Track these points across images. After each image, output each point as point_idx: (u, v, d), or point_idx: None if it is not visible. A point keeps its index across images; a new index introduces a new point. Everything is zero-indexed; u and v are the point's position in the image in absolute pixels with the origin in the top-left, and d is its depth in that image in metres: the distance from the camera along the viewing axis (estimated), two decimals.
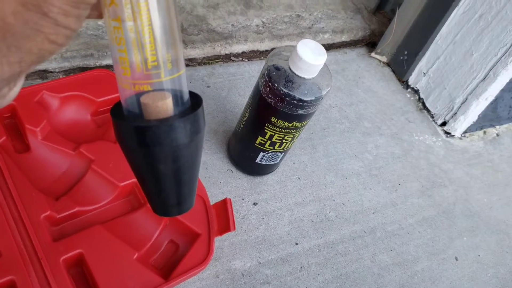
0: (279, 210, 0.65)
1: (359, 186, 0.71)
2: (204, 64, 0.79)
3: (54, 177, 0.55)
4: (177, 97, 0.28)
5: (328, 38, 0.89)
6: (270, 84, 0.52)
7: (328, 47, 0.89)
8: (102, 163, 0.55)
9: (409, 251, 0.68)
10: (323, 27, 0.90)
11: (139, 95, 0.27)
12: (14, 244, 0.47)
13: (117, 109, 0.29)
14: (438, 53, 0.83)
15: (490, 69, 0.76)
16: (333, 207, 0.68)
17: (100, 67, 0.70)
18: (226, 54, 0.81)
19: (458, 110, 0.82)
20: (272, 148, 0.59)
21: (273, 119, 0.55)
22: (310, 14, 0.90)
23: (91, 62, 0.69)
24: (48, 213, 0.50)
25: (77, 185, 0.54)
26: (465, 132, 0.86)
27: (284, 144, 0.59)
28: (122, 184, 0.55)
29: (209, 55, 0.79)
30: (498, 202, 0.79)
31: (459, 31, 0.78)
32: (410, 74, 0.88)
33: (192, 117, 0.28)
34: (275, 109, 0.54)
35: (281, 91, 0.52)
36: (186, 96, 0.29)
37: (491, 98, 0.80)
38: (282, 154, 0.62)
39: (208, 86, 0.75)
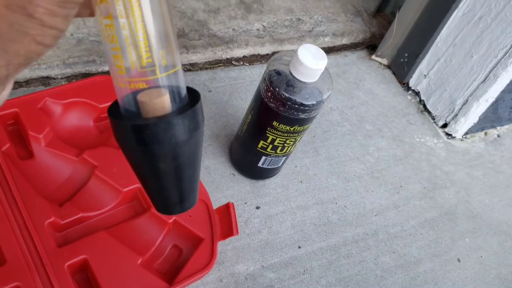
0: (281, 214, 0.65)
1: (361, 189, 0.72)
2: (206, 68, 0.79)
3: (58, 183, 0.55)
4: (174, 93, 0.27)
5: (329, 41, 0.89)
6: (271, 88, 0.53)
7: (329, 50, 0.90)
8: (105, 169, 0.56)
9: (411, 253, 0.68)
10: (323, 30, 0.90)
11: (135, 93, 0.27)
12: (19, 251, 0.47)
13: (114, 109, 0.28)
14: (438, 55, 0.83)
15: (490, 71, 0.76)
16: (335, 210, 0.68)
17: (102, 73, 0.70)
18: (227, 59, 0.81)
19: (459, 111, 0.83)
20: (274, 152, 0.59)
21: (274, 123, 0.55)
22: (310, 18, 0.91)
23: (93, 68, 0.69)
24: (52, 219, 0.51)
25: (81, 191, 0.55)
26: (466, 133, 0.86)
27: (286, 148, 0.59)
28: (125, 189, 0.55)
29: (210, 60, 0.80)
30: (500, 203, 0.79)
31: (459, 33, 0.79)
32: (411, 76, 0.88)
33: (191, 113, 0.27)
34: (277, 113, 0.54)
35: (282, 96, 0.52)
36: (184, 92, 0.28)
37: (491, 100, 0.80)
38: (284, 157, 0.62)
39: (210, 91, 0.75)
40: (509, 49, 0.73)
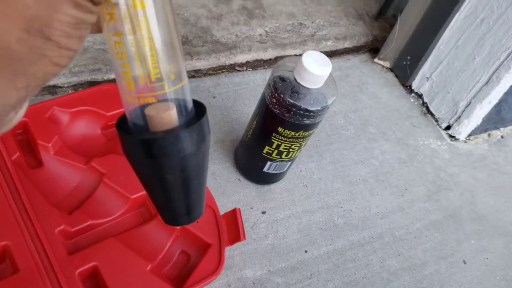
0: (287, 218, 0.65)
1: (366, 192, 0.72)
2: (210, 74, 0.80)
3: (67, 191, 0.56)
4: (181, 107, 0.28)
5: (331, 45, 0.90)
6: (276, 95, 0.53)
7: (331, 54, 0.90)
8: (113, 176, 0.56)
9: (417, 255, 0.68)
10: (325, 35, 0.90)
11: (143, 107, 0.27)
12: (31, 259, 0.48)
13: (122, 122, 0.29)
14: (441, 58, 0.83)
15: (493, 73, 0.77)
16: (341, 214, 0.68)
17: (108, 81, 0.71)
18: (230, 64, 0.82)
19: (462, 113, 0.83)
20: (279, 157, 0.60)
21: (279, 129, 0.56)
22: (312, 22, 0.91)
23: (99, 76, 0.70)
24: (62, 227, 0.51)
25: (90, 199, 0.55)
26: (470, 135, 0.86)
27: (291, 153, 0.60)
28: (133, 196, 0.56)
29: (214, 66, 0.81)
30: (505, 205, 0.79)
31: (461, 35, 0.79)
32: (414, 79, 0.89)
33: (197, 126, 0.28)
34: (282, 119, 0.55)
35: (287, 102, 0.53)
36: (190, 105, 0.29)
37: (494, 101, 0.80)
38: (290, 162, 0.62)
39: (214, 97, 0.76)
40: None
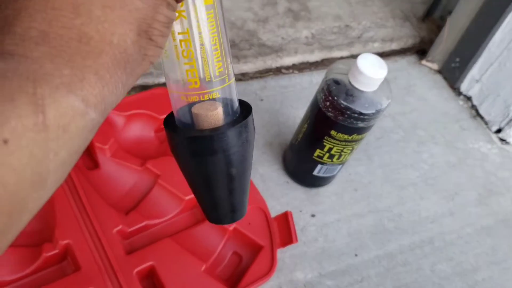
0: (337, 222, 0.65)
1: (416, 196, 0.71)
2: (256, 77, 0.80)
3: (123, 192, 0.58)
4: (227, 106, 0.28)
5: (378, 47, 0.89)
6: (330, 98, 0.53)
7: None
8: (167, 177, 0.57)
9: (468, 260, 0.67)
10: (372, 36, 0.90)
11: (190, 105, 0.28)
12: (91, 258, 0.49)
13: (169, 121, 0.30)
14: (491, 60, 0.81)
15: None
16: (391, 218, 0.68)
17: (159, 84, 0.72)
18: (277, 67, 0.82)
19: None
20: (330, 160, 0.60)
21: (332, 132, 0.56)
22: (358, 24, 0.91)
23: (150, 80, 0.72)
24: (120, 227, 0.53)
25: (145, 200, 0.57)
26: None
27: (343, 156, 0.60)
28: (187, 198, 0.57)
29: (260, 69, 0.81)
30: None
31: None
32: (462, 81, 0.87)
33: (243, 124, 0.28)
34: (335, 122, 0.55)
35: (341, 105, 0.53)
36: (236, 104, 0.29)
37: None
38: (340, 166, 0.62)
39: (261, 100, 0.77)
40: None
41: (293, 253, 0.61)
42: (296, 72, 0.83)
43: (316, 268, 0.60)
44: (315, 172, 0.63)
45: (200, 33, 0.26)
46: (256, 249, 0.56)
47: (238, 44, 0.82)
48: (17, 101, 0.19)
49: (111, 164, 0.58)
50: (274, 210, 0.63)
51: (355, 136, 0.56)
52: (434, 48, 0.88)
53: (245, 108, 0.30)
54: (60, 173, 0.21)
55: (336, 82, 0.53)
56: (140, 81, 0.72)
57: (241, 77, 0.79)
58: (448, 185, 0.74)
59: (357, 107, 0.52)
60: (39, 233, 0.51)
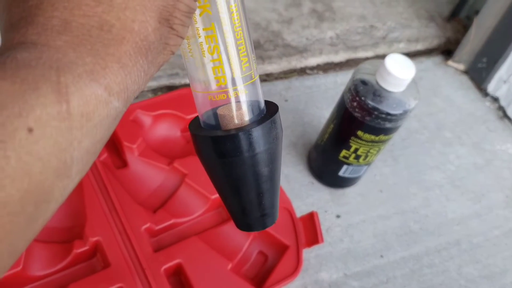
0: (362, 223, 0.65)
1: (442, 198, 0.71)
2: (281, 78, 0.81)
3: (150, 190, 0.58)
4: (253, 104, 0.28)
5: (403, 47, 0.88)
6: (357, 98, 0.53)
7: None
8: (194, 177, 0.58)
9: (496, 263, 0.66)
10: (397, 37, 0.89)
11: (216, 108, 0.27)
12: (121, 255, 0.50)
13: (195, 124, 0.29)
14: None
15: None
16: (417, 219, 0.67)
17: (185, 85, 0.73)
18: (301, 68, 0.83)
19: None
20: (356, 160, 0.60)
21: (359, 132, 0.56)
22: (383, 24, 0.90)
23: (176, 81, 0.73)
24: (148, 225, 0.54)
25: (172, 198, 0.57)
26: None
27: (369, 156, 0.59)
28: (213, 197, 0.57)
29: (285, 70, 0.81)
30: None
31: None
32: (489, 82, 0.86)
33: (269, 123, 0.27)
34: (362, 122, 0.54)
35: (368, 105, 0.53)
36: (262, 102, 0.28)
37: None
38: (366, 166, 0.62)
39: (286, 100, 0.77)
40: None
41: (319, 254, 0.61)
42: (321, 72, 0.83)
43: (342, 269, 0.60)
44: (340, 173, 0.63)
45: (225, 27, 0.25)
46: (281, 249, 0.56)
47: (262, 44, 0.82)
48: (41, 90, 0.19)
49: (139, 163, 0.59)
50: (299, 210, 0.63)
51: (382, 137, 0.56)
52: (461, 49, 0.87)
53: (271, 106, 0.29)
54: (85, 162, 0.21)
55: (364, 82, 0.53)
56: (167, 82, 0.73)
57: (266, 78, 0.80)
58: (475, 187, 0.73)
59: (385, 107, 0.52)
60: (70, 230, 0.52)
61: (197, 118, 0.29)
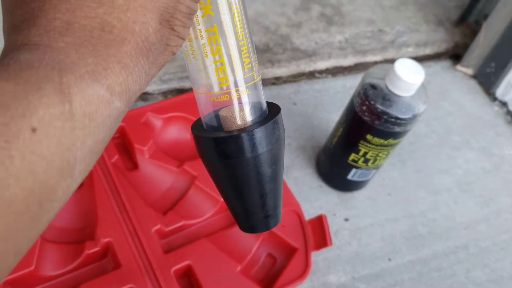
0: (370, 226, 0.65)
1: (450, 202, 0.71)
2: (290, 82, 0.81)
3: (161, 192, 0.59)
4: (256, 105, 0.28)
5: (412, 51, 0.89)
6: (367, 102, 0.54)
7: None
8: (204, 179, 0.59)
9: (504, 267, 0.66)
10: (405, 41, 0.90)
11: (218, 109, 0.27)
12: (131, 256, 0.51)
13: (197, 126, 0.29)
14: None
15: None
16: (425, 223, 0.67)
17: None
18: (310, 71, 0.83)
19: None
20: (365, 164, 0.60)
21: (368, 136, 0.56)
22: (392, 28, 0.91)
23: (186, 84, 0.73)
24: (158, 226, 0.54)
25: (182, 200, 0.58)
26: None
27: (378, 160, 0.60)
28: (222, 199, 0.58)
29: (294, 73, 0.82)
30: None
31: None
32: (498, 87, 0.86)
33: (272, 124, 0.27)
34: (371, 126, 0.55)
35: (378, 109, 0.53)
36: (264, 103, 0.28)
37: None
38: (375, 170, 0.62)
39: (295, 104, 0.77)
40: None
41: (327, 256, 0.61)
42: (330, 76, 0.83)
43: (350, 272, 0.61)
44: (349, 176, 0.63)
45: (227, 29, 0.25)
46: (290, 252, 0.57)
47: (271, 48, 0.83)
48: (44, 91, 0.19)
49: (150, 165, 0.60)
50: (308, 213, 0.64)
51: (391, 141, 0.56)
52: (469, 53, 0.88)
53: (273, 107, 0.29)
54: (88, 161, 0.21)
55: (373, 86, 0.54)
56: (177, 85, 0.73)
57: (275, 81, 0.80)
58: (483, 191, 0.74)
59: (394, 111, 0.52)
60: (81, 231, 0.53)
61: (199, 120, 0.29)
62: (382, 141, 0.56)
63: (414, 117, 0.53)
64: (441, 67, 0.89)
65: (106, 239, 0.52)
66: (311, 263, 0.56)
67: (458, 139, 0.79)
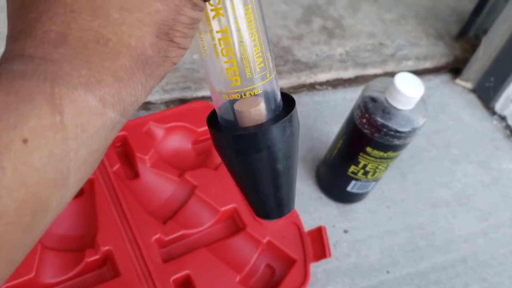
0: (369, 238, 0.66)
1: (449, 215, 0.71)
2: (290, 93, 0.81)
3: (161, 201, 0.59)
4: (270, 101, 0.28)
5: (411, 65, 0.90)
6: (366, 115, 0.54)
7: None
8: (204, 189, 0.59)
9: (503, 282, 0.66)
10: (406, 54, 0.90)
11: (232, 102, 0.28)
12: (131, 264, 0.51)
13: (212, 119, 0.30)
14: None
15: None
16: (423, 236, 0.68)
17: (197, 98, 0.74)
18: (310, 83, 0.84)
19: None
20: (365, 176, 0.61)
21: (368, 149, 0.56)
22: (392, 42, 0.92)
23: (188, 94, 0.74)
24: (158, 235, 0.54)
25: (182, 209, 0.58)
26: None
27: (378, 172, 0.60)
28: (222, 209, 0.58)
29: (294, 85, 0.82)
30: None
31: None
32: (497, 101, 0.87)
33: (287, 120, 0.28)
34: (371, 139, 0.55)
35: (377, 122, 0.53)
36: (278, 98, 0.29)
37: None
38: (374, 182, 0.63)
39: None
40: None
41: (326, 268, 0.61)
42: (330, 88, 0.84)
43: (348, 284, 0.61)
44: (348, 188, 0.64)
45: (238, 30, 0.26)
46: (289, 263, 0.57)
47: (273, 60, 0.83)
48: (36, 101, 0.19)
49: (151, 174, 0.60)
50: (307, 225, 0.64)
51: (390, 153, 0.57)
52: (469, 67, 0.88)
53: (288, 101, 0.29)
54: (82, 172, 0.21)
55: (373, 99, 0.54)
56: (180, 95, 0.74)
57: None
58: (482, 205, 0.74)
59: (394, 124, 0.53)
60: (82, 239, 0.53)
61: (214, 111, 0.30)
62: (381, 153, 0.56)
63: (414, 130, 0.54)
64: (440, 80, 0.90)
65: (106, 247, 0.52)
66: (310, 274, 0.56)
67: (457, 152, 0.79)
